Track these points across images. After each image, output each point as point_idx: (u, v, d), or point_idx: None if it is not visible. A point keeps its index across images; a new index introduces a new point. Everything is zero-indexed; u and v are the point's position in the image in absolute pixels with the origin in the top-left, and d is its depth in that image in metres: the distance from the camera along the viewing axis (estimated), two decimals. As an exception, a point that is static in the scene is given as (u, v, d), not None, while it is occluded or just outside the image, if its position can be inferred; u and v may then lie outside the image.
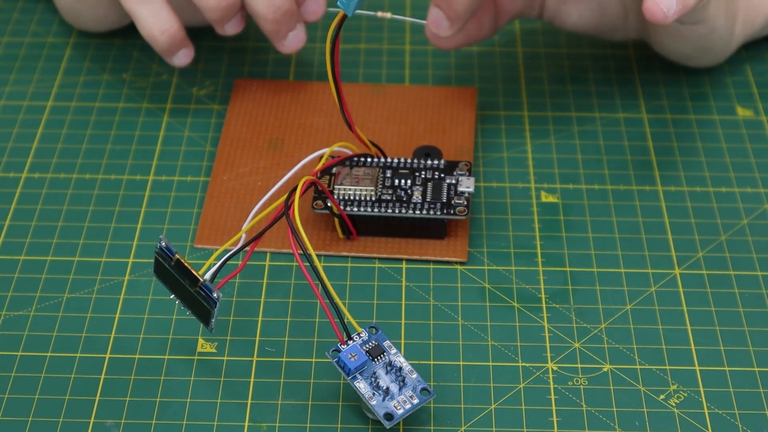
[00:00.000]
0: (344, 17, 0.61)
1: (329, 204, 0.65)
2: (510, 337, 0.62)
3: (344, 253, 0.66)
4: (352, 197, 0.65)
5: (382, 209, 0.65)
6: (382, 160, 0.67)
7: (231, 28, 0.72)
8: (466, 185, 0.66)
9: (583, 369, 0.61)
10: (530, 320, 0.63)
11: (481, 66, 0.78)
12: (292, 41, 0.72)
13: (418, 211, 0.65)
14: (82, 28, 0.78)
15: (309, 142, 0.72)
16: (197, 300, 0.58)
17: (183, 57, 0.72)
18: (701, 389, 0.60)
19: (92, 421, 0.58)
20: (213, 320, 0.58)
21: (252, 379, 0.60)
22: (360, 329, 0.58)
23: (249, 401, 0.59)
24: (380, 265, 0.66)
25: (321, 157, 0.66)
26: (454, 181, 0.66)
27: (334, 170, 0.66)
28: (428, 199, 0.65)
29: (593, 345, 0.62)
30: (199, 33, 0.80)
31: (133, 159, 0.71)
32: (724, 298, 0.64)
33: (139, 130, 0.73)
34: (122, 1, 0.71)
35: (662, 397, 0.59)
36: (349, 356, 0.57)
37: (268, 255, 0.66)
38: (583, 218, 0.68)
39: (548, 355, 0.61)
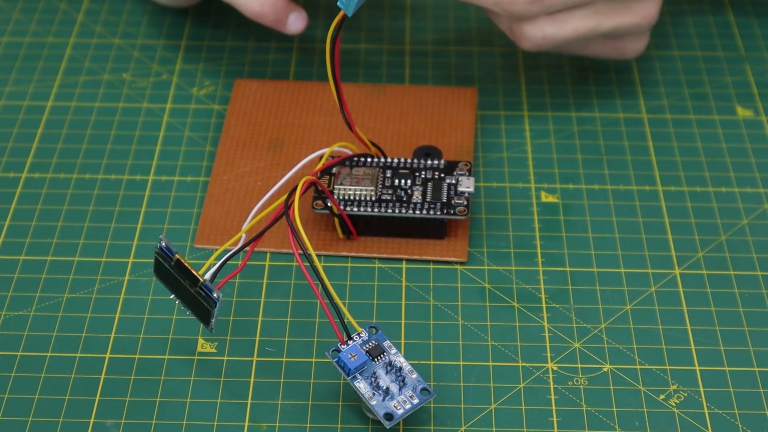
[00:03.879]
0: (344, 17, 0.61)
1: (329, 204, 0.65)
2: (510, 337, 0.62)
3: (344, 253, 0.66)
4: (352, 197, 0.65)
5: (382, 209, 0.65)
6: (382, 160, 0.67)
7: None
8: (466, 185, 0.66)
9: (583, 369, 0.61)
10: (530, 320, 0.63)
11: (481, 66, 0.78)
12: (294, 23, 0.72)
13: (418, 211, 0.65)
14: (170, 4, 0.78)
15: (309, 142, 0.72)
16: (197, 300, 0.58)
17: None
18: (701, 389, 0.60)
19: (92, 421, 0.58)
20: (213, 320, 0.58)
21: (252, 379, 0.60)
22: (360, 329, 0.58)
23: (249, 401, 0.59)
24: (380, 265, 0.66)
25: (321, 157, 0.66)
26: (454, 181, 0.66)
27: (334, 170, 0.66)
28: (428, 199, 0.65)
29: (593, 345, 0.62)
30: (199, 33, 0.80)
31: (133, 159, 0.71)
32: (724, 298, 0.64)
33: (139, 130, 0.73)
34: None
35: (662, 397, 0.60)
36: (349, 356, 0.57)
37: (268, 255, 0.66)
38: (583, 218, 0.68)
39: (548, 355, 0.61)
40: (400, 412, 0.56)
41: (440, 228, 0.66)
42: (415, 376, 0.58)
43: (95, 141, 0.72)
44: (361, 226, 0.66)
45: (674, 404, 0.59)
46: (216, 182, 0.69)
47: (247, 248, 0.60)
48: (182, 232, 0.67)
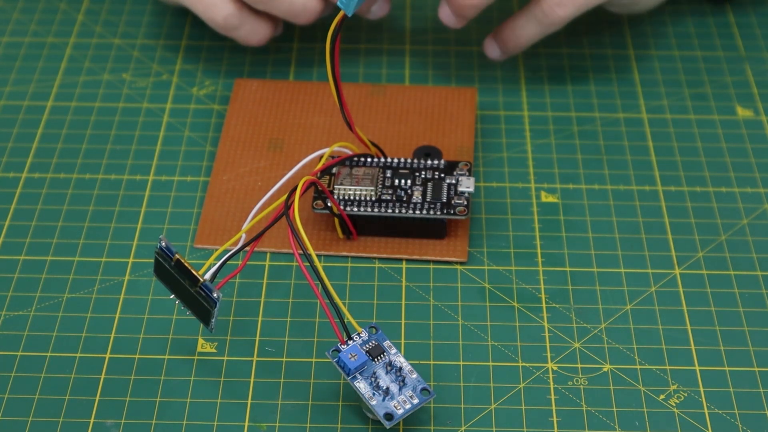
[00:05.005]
0: (344, 17, 0.61)
1: (329, 204, 0.65)
2: (510, 337, 0.62)
3: (344, 253, 0.66)
4: (352, 197, 0.65)
5: (382, 209, 0.65)
6: (382, 160, 0.67)
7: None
8: (466, 185, 0.66)
9: (583, 369, 0.61)
10: (530, 320, 0.63)
11: (481, 66, 0.78)
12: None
13: (418, 211, 0.65)
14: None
15: (309, 142, 0.71)
16: (197, 300, 0.58)
17: (277, 31, 0.76)
18: (701, 389, 0.60)
19: (92, 421, 0.58)
20: (213, 320, 0.58)
21: (252, 379, 0.60)
22: (360, 329, 0.58)
23: (249, 401, 0.59)
24: (380, 265, 0.66)
25: (321, 157, 0.66)
26: (454, 181, 0.66)
27: (334, 170, 0.66)
28: (428, 199, 0.65)
29: (593, 345, 0.62)
30: (199, 33, 0.80)
31: (133, 159, 0.71)
32: (724, 298, 0.64)
33: (139, 130, 0.73)
34: (223, 33, 0.74)
35: (662, 397, 0.60)
36: (349, 356, 0.57)
37: (268, 255, 0.66)
38: (583, 218, 0.68)
39: (548, 355, 0.61)
40: (400, 412, 0.56)
41: (440, 228, 0.66)
42: (415, 376, 0.58)
43: (95, 141, 0.72)
44: (361, 226, 0.66)
45: (674, 404, 0.59)
46: (216, 182, 0.69)
47: (247, 248, 0.60)
48: (182, 232, 0.67)
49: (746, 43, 0.80)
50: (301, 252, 0.58)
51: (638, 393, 0.60)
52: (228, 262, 0.59)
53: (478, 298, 0.64)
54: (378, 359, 0.58)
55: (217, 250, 0.60)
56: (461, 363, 0.61)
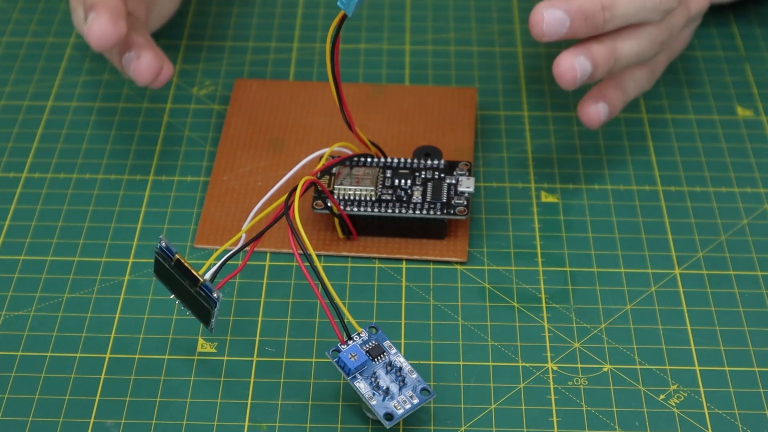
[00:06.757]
0: (344, 17, 0.61)
1: (329, 204, 0.65)
2: (510, 337, 0.62)
3: (344, 253, 0.66)
4: (352, 197, 0.65)
5: (382, 209, 0.65)
6: (382, 160, 0.67)
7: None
8: (466, 185, 0.66)
9: (583, 369, 0.61)
10: (530, 320, 0.63)
11: (481, 66, 0.78)
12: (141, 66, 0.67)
13: (418, 211, 0.65)
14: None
15: (309, 142, 0.72)
16: (197, 300, 0.58)
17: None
18: (701, 389, 0.60)
19: (92, 421, 0.58)
20: (213, 320, 0.58)
21: (252, 379, 0.60)
22: (360, 329, 0.58)
23: (249, 401, 0.59)
24: (380, 265, 0.66)
25: (321, 157, 0.66)
26: (454, 181, 0.66)
27: (334, 170, 0.66)
28: (428, 199, 0.65)
29: (593, 345, 0.62)
30: (199, 33, 0.80)
31: (133, 159, 0.71)
32: (724, 298, 0.64)
33: (139, 130, 0.73)
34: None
35: (662, 397, 0.60)
36: (349, 356, 0.57)
37: (268, 255, 0.66)
38: (583, 218, 0.68)
39: (548, 355, 0.61)
40: (400, 412, 0.56)
41: (440, 228, 0.66)
42: (415, 376, 0.58)
43: (95, 141, 0.72)
44: (361, 226, 0.66)
45: (674, 404, 0.59)
46: (216, 182, 0.69)
47: (247, 248, 0.60)
48: (182, 232, 0.67)
49: (746, 43, 0.80)
50: (301, 252, 0.58)
51: (638, 393, 0.60)
52: (228, 262, 0.59)
53: (478, 298, 0.64)
54: (378, 359, 0.58)
55: (217, 250, 0.60)
56: (461, 363, 0.61)
